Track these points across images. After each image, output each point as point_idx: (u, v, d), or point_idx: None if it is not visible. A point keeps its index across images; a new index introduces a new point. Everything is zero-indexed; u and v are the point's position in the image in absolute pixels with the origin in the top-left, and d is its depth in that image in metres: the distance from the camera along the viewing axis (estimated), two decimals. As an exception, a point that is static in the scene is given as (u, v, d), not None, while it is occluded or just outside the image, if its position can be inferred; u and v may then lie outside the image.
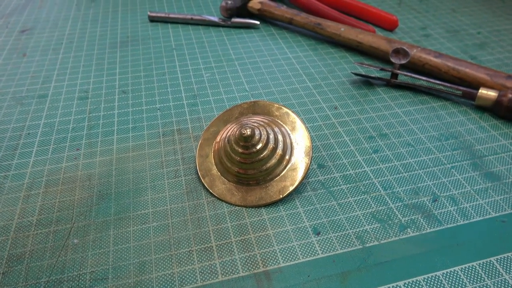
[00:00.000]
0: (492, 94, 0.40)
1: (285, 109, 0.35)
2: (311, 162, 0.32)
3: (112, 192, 0.33)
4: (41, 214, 0.31)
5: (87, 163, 0.35)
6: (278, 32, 0.56)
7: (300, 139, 0.33)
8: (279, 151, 0.32)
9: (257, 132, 0.31)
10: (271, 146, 0.31)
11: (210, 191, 0.32)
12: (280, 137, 0.32)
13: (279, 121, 0.35)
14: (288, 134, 0.33)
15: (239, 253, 0.28)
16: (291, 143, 0.33)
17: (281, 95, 0.43)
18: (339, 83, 0.45)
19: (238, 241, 0.29)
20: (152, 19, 0.59)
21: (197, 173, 0.34)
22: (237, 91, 0.44)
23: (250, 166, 0.31)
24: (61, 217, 0.31)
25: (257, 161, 0.31)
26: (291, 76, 0.47)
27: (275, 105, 0.36)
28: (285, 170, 0.32)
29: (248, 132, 0.31)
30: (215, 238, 0.29)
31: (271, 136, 0.32)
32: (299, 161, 0.32)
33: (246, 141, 0.31)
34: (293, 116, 0.35)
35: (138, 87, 0.45)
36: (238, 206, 0.31)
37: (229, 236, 0.29)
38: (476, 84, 0.43)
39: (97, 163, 0.35)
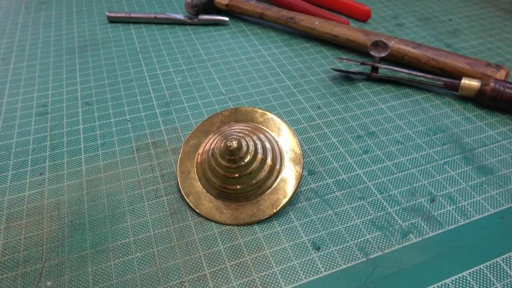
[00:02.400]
0: (474, 84, 0.39)
1: (270, 115, 0.33)
2: (303, 170, 0.30)
3: (86, 221, 0.29)
4: (5, 254, 0.27)
5: (53, 189, 0.31)
6: (249, 28, 0.53)
7: (288, 146, 0.31)
8: (269, 161, 0.29)
9: (244, 143, 0.29)
10: (260, 157, 0.29)
11: (197, 210, 0.29)
12: (268, 145, 0.30)
13: (265, 128, 0.32)
14: (276, 142, 0.31)
15: (237, 280, 0.26)
16: (280, 151, 0.31)
17: (260, 97, 0.41)
18: (319, 80, 0.43)
19: (234, 265, 0.26)
20: (112, 20, 0.55)
21: (180, 192, 0.31)
22: (213, 95, 0.41)
23: (239, 181, 0.29)
24: (29, 256, 0.27)
25: (246, 175, 0.29)
26: (268, 75, 0.44)
27: (258, 110, 0.33)
28: (276, 182, 0.30)
29: (234, 144, 0.28)
30: (207, 264, 0.26)
31: (259, 146, 0.29)
32: (290, 170, 0.30)
33: (233, 155, 0.28)
34: (278, 121, 0.32)
35: (104, 97, 0.41)
36: (229, 225, 0.29)
37: (223, 261, 0.27)
38: (457, 74, 0.42)
39: (65, 188, 0.31)
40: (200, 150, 0.31)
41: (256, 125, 0.32)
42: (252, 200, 0.29)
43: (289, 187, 0.29)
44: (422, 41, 0.50)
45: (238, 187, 0.29)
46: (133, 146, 0.35)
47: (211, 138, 0.31)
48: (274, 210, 0.29)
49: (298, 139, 0.34)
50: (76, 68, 0.46)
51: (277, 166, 0.30)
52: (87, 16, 0.57)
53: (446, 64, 0.42)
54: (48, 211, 0.30)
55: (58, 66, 0.46)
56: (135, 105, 0.40)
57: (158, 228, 0.29)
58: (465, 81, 0.39)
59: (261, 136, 0.30)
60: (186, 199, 0.30)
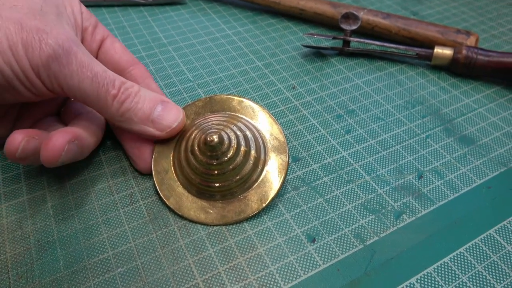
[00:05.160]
0: (447, 52, 0.38)
1: (247, 102, 0.30)
2: (289, 158, 0.28)
3: (55, 238, 0.26)
4: (-36, 288, 0.24)
5: (12, 206, 0.28)
6: (209, 5, 0.49)
7: (271, 134, 0.29)
8: (253, 153, 0.27)
9: (225, 136, 0.26)
10: (243, 149, 0.27)
11: (179, 213, 0.27)
12: (250, 135, 0.28)
13: (243, 116, 0.30)
14: (257, 130, 0.29)
15: (232, 285, 0.24)
16: (263, 140, 0.29)
17: (231, 81, 0.38)
18: (290, 58, 0.41)
19: (227, 269, 0.25)
20: (54, 5, 0.49)
21: (158, 194, 0.28)
22: (179, 82, 0.38)
23: (222, 178, 0.27)
24: (-7, 287, 0.24)
25: (230, 170, 0.26)
26: (236, 56, 0.41)
27: (235, 98, 0.31)
28: (262, 174, 0.28)
29: (215, 139, 0.26)
30: (199, 272, 0.24)
31: (241, 137, 0.27)
32: (276, 160, 0.28)
33: (214, 151, 0.26)
34: (257, 108, 0.30)
35: (57, 93, 0.37)
36: (216, 225, 0.27)
37: (215, 266, 0.25)
38: (428, 43, 0.41)
39: (26, 202, 0.28)
40: (176, 147, 0.29)
41: (234, 114, 0.30)
42: (239, 196, 0.27)
43: (277, 178, 0.27)
44: (388, 10, 0.49)
45: (222, 184, 0.27)
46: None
47: (186, 132, 0.28)
48: (263, 205, 0.27)
49: (280, 126, 0.32)
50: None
51: (262, 157, 0.28)
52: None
53: (417, 33, 0.41)
54: (9, 231, 0.26)
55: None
56: (94, 100, 0.36)
57: (138, 237, 0.26)
58: (438, 50, 0.39)
59: (241, 126, 0.28)
60: (166, 202, 0.27)
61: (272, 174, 0.28)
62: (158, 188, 0.28)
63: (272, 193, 0.27)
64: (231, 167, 0.26)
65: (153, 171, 0.29)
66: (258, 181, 0.27)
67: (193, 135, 0.27)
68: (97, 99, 0.25)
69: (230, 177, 0.27)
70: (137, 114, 0.26)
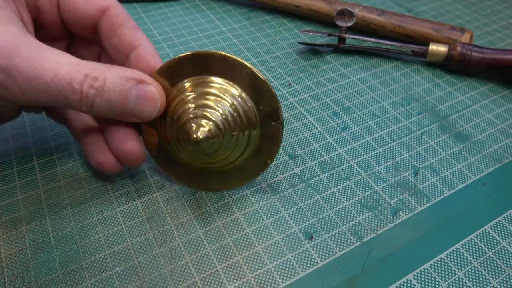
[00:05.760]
0: (442, 49, 0.39)
1: (232, 57, 0.25)
2: (283, 125, 0.26)
3: (51, 238, 0.26)
4: (-42, 289, 0.23)
5: (6, 206, 0.27)
6: (203, 2, 0.49)
7: (262, 97, 0.25)
8: (246, 132, 0.25)
9: (213, 129, 0.24)
10: (235, 135, 0.25)
11: (181, 183, 0.28)
12: (240, 109, 0.25)
13: (230, 83, 0.26)
14: (247, 98, 0.25)
15: (231, 283, 0.24)
16: (254, 108, 0.25)
17: (226, 78, 0.38)
18: (285, 55, 0.41)
19: (225, 267, 0.25)
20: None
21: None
22: (174, 79, 0.38)
23: (215, 161, 0.26)
24: (-12, 288, 0.23)
25: (224, 158, 0.26)
26: (231, 53, 0.41)
27: (216, 56, 0.25)
28: (257, 144, 0.26)
29: (200, 135, 0.24)
30: (196, 270, 0.24)
31: (230, 118, 0.24)
32: (269, 128, 0.26)
33: (202, 149, 0.25)
34: (243, 65, 0.25)
35: (50, 91, 0.36)
36: (220, 191, 0.28)
37: (213, 265, 0.25)
38: (423, 40, 0.41)
39: (20, 202, 0.28)
40: (161, 123, 0.26)
41: (218, 81, 0.25)
42: (237, 167, 0.27)
43: (273, 146, 0.26)
44: (383, 6, 0.49)
45: (217, 164, 0.26)
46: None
47: (169, 106, 0.25)
48: (261, 172, 0.27)
49: (273, 87, 0.29)
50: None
51: (254, 132, 0.25)
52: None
53: (412, 30, 0.41)
54: (3, 231, 0.26)
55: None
56: (88, 98, 0.36)
57: (135, 236, 0.26)
58: (432, 47, 0.39)
59: (228, 98, 0.25)
60: (167, 173, 0.28)
61: (268, 142, 0.26)
62: (155, 162, 0.28)
63: (269, 161, 0.26)
64: (224, 156, 0.25)
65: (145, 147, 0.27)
66: (256, 152, 0.26)
67: (177, 111, 0.25)
68: (64, 106, 0.23)
69: (224, 158, 0.26)
70: (112, 111, 0.24)
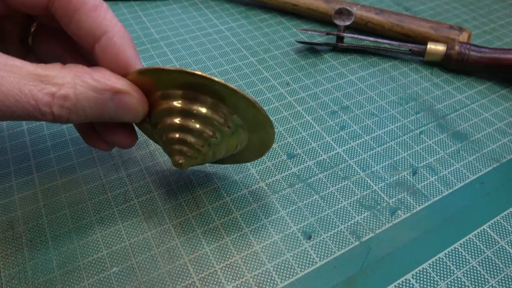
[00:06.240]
0: (440, 48, 0.39)
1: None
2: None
3: (48, 238, 0.25)
4: (-46, 290, 0.23)
5: (3, 205, 0.27)
6: (201, 0, 0.49)
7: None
8: (225, 128, 0.23)
9: (196, 155, 0.24)
10: (214, 140, 0.23)
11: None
12: (217, 121, 0.23)
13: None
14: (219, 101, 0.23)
15: (229, 283, 0.24)
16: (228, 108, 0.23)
17: (225, 77, 0.38)
18: (284, 54, 0.41)
19: (224, 267, 0.24)
20: None
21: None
22: (172, 78, 0.38)
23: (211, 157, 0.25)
24: (-16, 288, 0.23)
25: (218, 156, 0.25)
26: (230, 52, 0.41)
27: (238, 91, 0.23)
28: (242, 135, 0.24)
29: (182, 160, 0.23)
30: (195, 270, 0.24)
31: (209, 134, 0.23)
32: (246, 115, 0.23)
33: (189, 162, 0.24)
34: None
35: (47, 90, 0.36)
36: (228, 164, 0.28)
37: (211, 265, 0.25)
38: (421, 39, 0.41)
39: (16, 202, 0.27)
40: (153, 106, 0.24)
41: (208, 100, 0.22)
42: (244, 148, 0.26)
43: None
44: (381, 5, 0.49)
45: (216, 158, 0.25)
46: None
47: (154, 109, 0.23)
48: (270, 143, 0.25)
49: (272, 120, 0.30)
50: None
51: (230, 124, 0.23)
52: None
53: (411, 29, 0.41)
54: (0, 231, 0.26)
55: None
56: (85, 97, 0.35)
57: (133, 236, 0.26)
58: (431, 46, 0.39)
59: (198, 107, 0.22)
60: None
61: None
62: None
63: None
64: (218, 155, 0.24)
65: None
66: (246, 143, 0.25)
67: (160, 125, 0.23)
68: (37, 120, 0.20)
69: (220, 154, 0.25)
70: (92, 120, 0.21)
